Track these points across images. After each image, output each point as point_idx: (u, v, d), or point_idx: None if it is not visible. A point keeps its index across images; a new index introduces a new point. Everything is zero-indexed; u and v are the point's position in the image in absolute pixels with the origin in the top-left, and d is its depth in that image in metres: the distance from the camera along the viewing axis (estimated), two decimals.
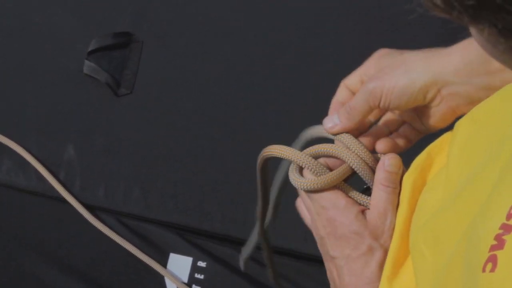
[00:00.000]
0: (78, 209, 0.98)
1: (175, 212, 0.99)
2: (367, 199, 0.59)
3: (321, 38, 1.06)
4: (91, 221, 0.98)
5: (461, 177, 0.47)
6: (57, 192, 0.99)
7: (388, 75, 0.57)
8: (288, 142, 0.66)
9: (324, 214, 0.56)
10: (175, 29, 1.08)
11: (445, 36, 1.05)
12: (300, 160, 0.61)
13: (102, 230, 0.98)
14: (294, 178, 0.61)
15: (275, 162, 0.66)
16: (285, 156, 0.62)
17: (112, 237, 0.97)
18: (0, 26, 1.10)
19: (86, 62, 1.05)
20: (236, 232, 0.97)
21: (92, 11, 1.10)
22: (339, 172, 0.60)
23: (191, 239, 0.98)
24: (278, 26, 1.06)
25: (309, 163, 0.61)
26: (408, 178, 0.55)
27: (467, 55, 0.55)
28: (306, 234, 0.97)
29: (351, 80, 0.62)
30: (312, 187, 0.59)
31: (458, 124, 0.52)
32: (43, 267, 1.00)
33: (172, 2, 1.10)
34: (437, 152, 0.55)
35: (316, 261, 0.98)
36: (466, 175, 0.46)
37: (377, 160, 0.61)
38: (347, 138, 0.62)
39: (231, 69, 1.05)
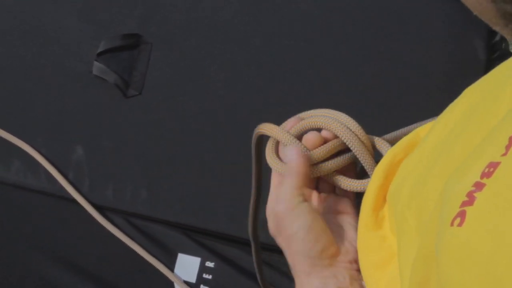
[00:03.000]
0: (88, 209, 0.99)
1: (183, 213, 1.00)
2: (362, 183, 0.57)
3: (328, 41, 1.06)
4: (100, 221, 0.99)
5: (439, 140, 0.47)
6: (66, 192, 1.00)
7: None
8: None
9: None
10: (183, 31, 1.09)
11: (449, 36, 1.06)
12: (282, 138, 0.60)
13: (111, 230, 0.98)
14: (268, 157, 0.60)
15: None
16: (270, 133, 0.62)
17: (120, 238, 0.98)
18: (10, 28, 1.11)
19: (95, 63, 1.06)
20: (244, 232, 0.97)
21: (101, 13, 1.11)
22: (323, 148, 0.58)
23: (199, 240, 0.99)
24: (285, 28, 1.07)
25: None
26: (390, 152, 0.55)
27: None
28: None
29: None
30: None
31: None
32: (51, 267, 1.01)
33: (180, 4, 1.11)
34: (424, 130, 0.55)
35: None
36: (445, 138, 0.46)
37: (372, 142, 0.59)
38: (342, 116, 0.60)
39: (239, 71, 1.06)
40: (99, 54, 1.07)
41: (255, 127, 1.04)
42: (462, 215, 0.35)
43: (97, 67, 1.06)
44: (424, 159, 0.48)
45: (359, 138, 0.59)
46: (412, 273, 0.41)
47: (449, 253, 0.35)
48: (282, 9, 1.08)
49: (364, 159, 0.59)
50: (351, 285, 0.53)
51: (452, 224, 0.36)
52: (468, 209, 0.35)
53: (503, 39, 1.11)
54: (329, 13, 1.07)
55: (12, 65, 1.09)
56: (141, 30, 1.09)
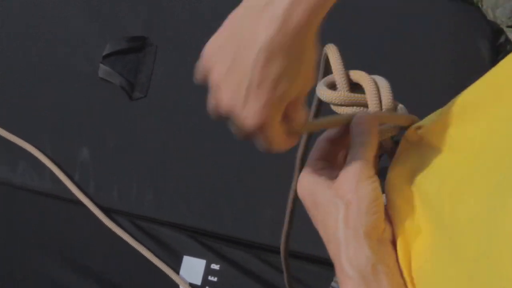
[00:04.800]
0: (93, 211, 0.99)
1: (188, 215, 1.00)
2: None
3: (334, 41, 1.06)
4: (106, 223, 0.99)
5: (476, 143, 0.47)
6: (72, 193, 1.00)
7: None
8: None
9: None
10: (188, 33, 1.09)
11: (454, 37, 1.06)
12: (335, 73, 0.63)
13: (116, 232, 0.98)
14: (318, 88, 0.62)
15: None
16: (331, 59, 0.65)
17: (126, 240, 0.98)
18: (17, 30, 1.11)
19: (101, 66, 1.07)
20: (249, 235, 0.98)
21: (106, 16, 1.11)
22: (355, 95, 0.61)
23: (204, 242, 0.99)
24: None
25: (337, 77, 0.63)
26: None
27: None
28: (319, 237, 0.98)
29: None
30: (326, 98, 0.61)
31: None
32: (57, 268, 1.01)
33: (185, 6, 1.11)
34: None
35: (330, 264, 0.99)
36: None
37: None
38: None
39: None
40: (105, 57, 1.07)
41: None
42: None
43: (103, 69, 1.06)
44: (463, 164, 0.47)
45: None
46: None
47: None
48: None
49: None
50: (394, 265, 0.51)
51: None
52: None
53: (507, 40, 1.11)
54: (336, 13, 1.06)
55: (19, 67, 1.09)
56: (147, 33, 1.09)
